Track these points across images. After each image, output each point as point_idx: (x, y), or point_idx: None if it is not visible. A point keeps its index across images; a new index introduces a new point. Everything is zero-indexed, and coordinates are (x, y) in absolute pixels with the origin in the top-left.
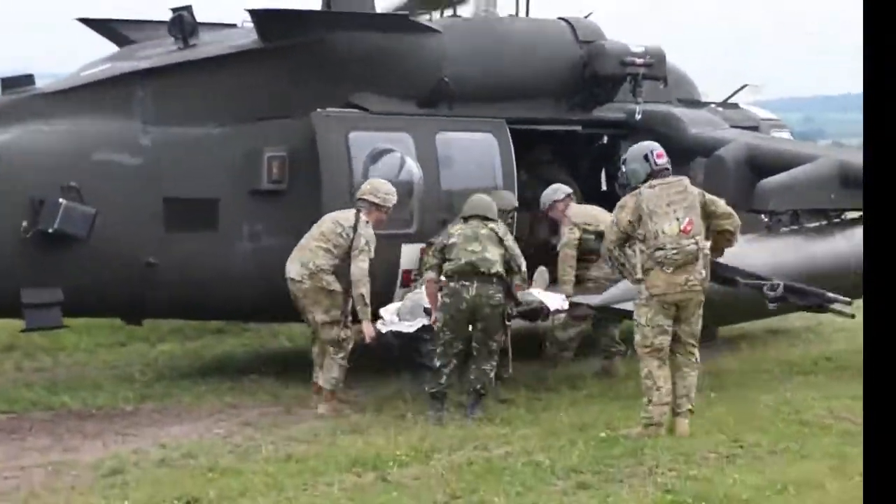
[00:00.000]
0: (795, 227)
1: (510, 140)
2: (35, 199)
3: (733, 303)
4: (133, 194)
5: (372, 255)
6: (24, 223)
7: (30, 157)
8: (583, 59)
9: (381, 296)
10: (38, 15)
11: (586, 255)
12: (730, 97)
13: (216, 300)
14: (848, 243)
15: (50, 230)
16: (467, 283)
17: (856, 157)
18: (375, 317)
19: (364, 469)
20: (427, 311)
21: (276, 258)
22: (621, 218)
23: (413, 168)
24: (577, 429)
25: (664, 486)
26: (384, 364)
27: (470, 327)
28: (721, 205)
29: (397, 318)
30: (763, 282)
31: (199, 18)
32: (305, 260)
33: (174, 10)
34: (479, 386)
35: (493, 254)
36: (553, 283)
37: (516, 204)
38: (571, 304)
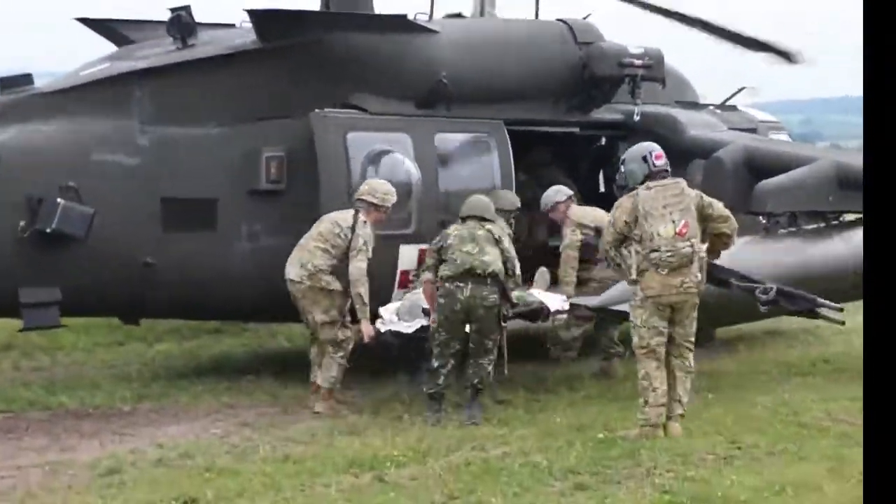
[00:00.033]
0: (793, 229)
1: (508, 141)
2: (33, 198)
3: (727, 304)
4: (131, 194)
5: (370, 254)
6: (22, 223)
7: (28, 156)
8: (581, 61)
9: (379, 296)
10: (37, 15)
11: (589, 255)
12: (728, 99)
13: (214, 300)
14: (846, 245)
15: (48, 230)
16: (461, 284)
17: (854, 159)
18: (375, 316)
19: (361, 470)
20: (426, 312)
21: (275, 258)
22: (618, 218)
23: (411, 169)
24: (575, 430)
25: (662, 488)
26: (382, 365)
27: (467, 328)
28: (719, 208)
29: (396, 317)
30: (756, 285)
31: (198, 18)
32: (304, 260)
33: (173, 10)
34: (476, 381)
35: (489, 255)
36: (554, 283)
37: (519, 204)
38: (572, 306)
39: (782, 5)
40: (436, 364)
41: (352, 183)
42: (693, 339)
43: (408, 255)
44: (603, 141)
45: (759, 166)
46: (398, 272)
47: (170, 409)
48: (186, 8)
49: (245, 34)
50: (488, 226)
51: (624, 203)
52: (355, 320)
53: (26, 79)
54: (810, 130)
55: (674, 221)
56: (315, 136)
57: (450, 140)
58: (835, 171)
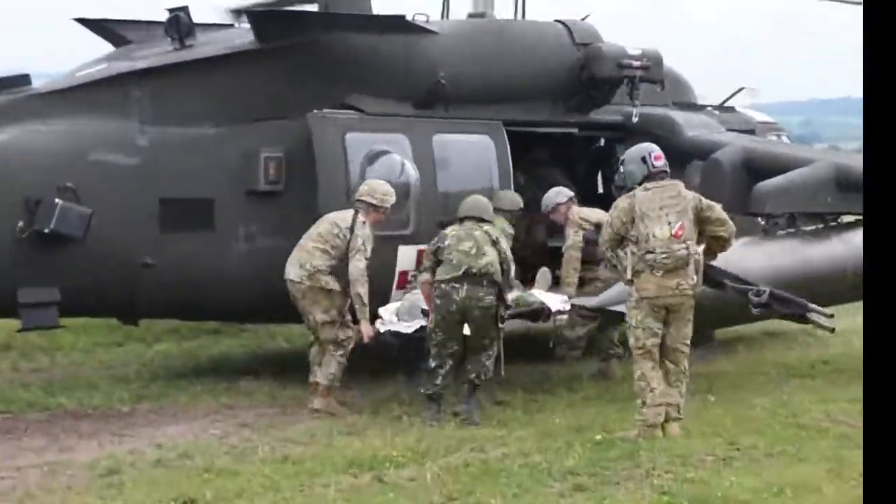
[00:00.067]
0: (792, 231)
1: (507, 142)
2: (31, 199)
3: (721, 306)
4: (129, 194)
5: (369, 254)
6: (21, 223)
7: (26, 157)
8: (580, 62)
9: (378, 297)
10: (37, 15)
11: (591, 254)
12: (726, 100)
13: (212, 301)
14: (844, 247)
15: (46, 230)
16: (457, 285)
17: (852, 161)
18: (374, 316)
19: (360, 470)
20: (425, 313)
21: (273, 259)
22: (615, 218)
23: (409, 169)
24: (574, 431)
25: (661, 489)
26: (381, 365)
27: (465, 329)
28: (716, 210)
29: (396, 318)
30: (750, 287)
31: (196, 19)
32: (303, 261)
33: (171, 10)
34: (473, 376)
35: (487, 256)
36: (556, 283)
37: (521, 204)
38: (572, 306)
39: (782, 5)
40: (433, 364)
41: (350, 184)
42: (688, 341)
43: (406, 256)
44: (601, 142)
45: (757, 168)
46: (396, 273)
47: (169, 409)
48: (184, 8)
49: (243, 35)
50: (486, 226)
51: (621, 204)
52: (355, 320)
53: (24, 79)
54: (809, 132)
55: (670, 223)
56: (313, 136)
57: (448, 141)
58: (833, 173)
